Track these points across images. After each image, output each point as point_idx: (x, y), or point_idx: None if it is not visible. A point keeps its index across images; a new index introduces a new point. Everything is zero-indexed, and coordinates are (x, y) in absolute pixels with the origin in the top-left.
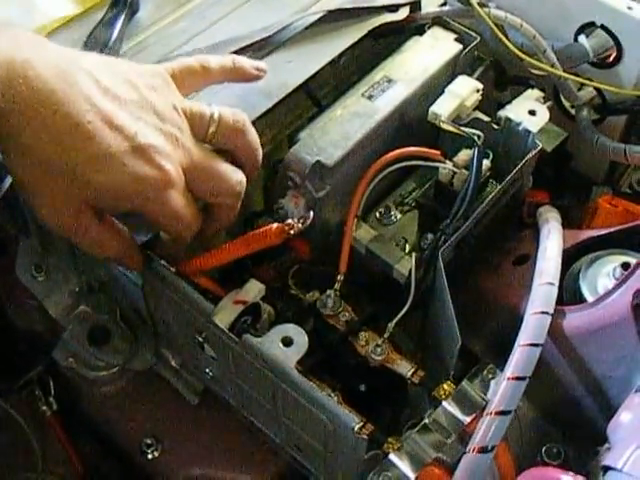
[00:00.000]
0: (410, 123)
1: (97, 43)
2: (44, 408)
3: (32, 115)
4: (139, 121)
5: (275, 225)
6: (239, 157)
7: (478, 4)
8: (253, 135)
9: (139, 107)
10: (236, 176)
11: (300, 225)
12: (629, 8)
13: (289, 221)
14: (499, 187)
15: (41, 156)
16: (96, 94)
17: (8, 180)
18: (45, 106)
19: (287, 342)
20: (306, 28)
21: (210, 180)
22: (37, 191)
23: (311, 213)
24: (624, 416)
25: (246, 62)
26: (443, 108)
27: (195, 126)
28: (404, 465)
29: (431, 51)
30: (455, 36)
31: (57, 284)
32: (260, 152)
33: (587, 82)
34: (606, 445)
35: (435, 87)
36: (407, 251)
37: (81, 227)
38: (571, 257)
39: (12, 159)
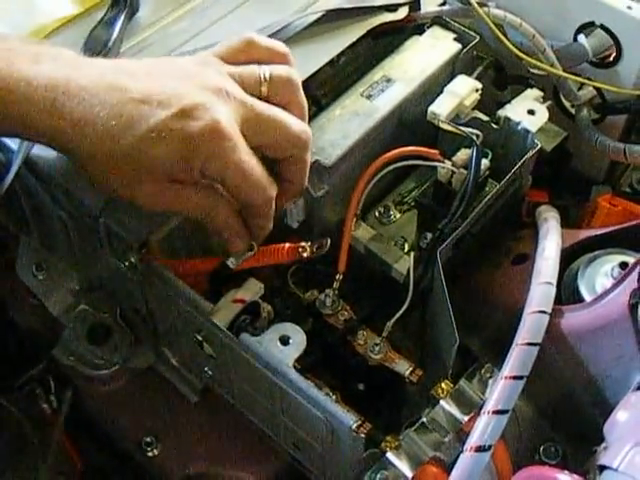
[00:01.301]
0: (409, 123)
1: (97, 43)
2: (44, 406)
3: (84, 123)
4: (179, 87)
5: (287, 245)
6: (293, 114)
7: (477, 3)
8: (302, 93)
9: (176, 76)
10: (299, 124)
11: (315, 249)
12: (629, 8)
13: (303, 243)
14: (498, 186)
15: (107, 155)
16: (128, 82)
17: (9, 179)
18: (89, 111)
19: (285, 341)
20: (305, 28)
21: (272, 129)
22: (129, 190)
23: (328, 240)
24: (620, 415)
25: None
26: (442, 108)
27: (247, 85)
28: (402, 464)
29: (430, 51)
30: (454, 36)
31: (57, 283)
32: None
33: (587, 82)
34: (603, 444)
35: (434, 87)
36: (406, 250)
37: (178, 199)
38: (570, 256)
39: (89, 170)
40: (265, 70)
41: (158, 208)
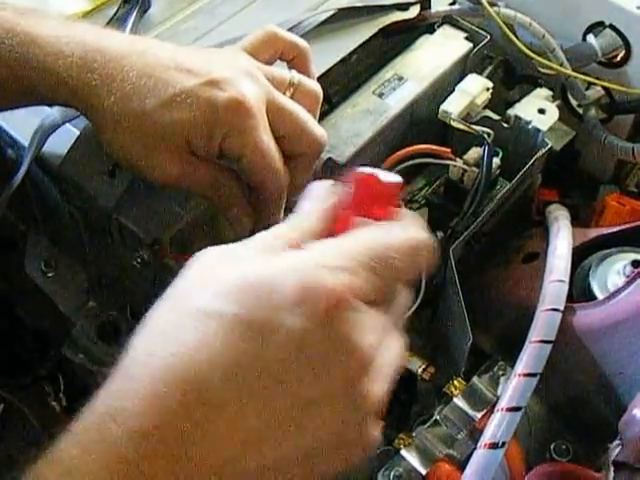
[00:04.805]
0: (420, 121)
1: None
2: (54, 404)
3: (112, 80)
4: (210, 63)
5: None
6: None
7: (488, 3)
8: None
9: (207, 55)
10: (319, 128)
11: None
12: (638, 8)
13: None
14: (509, 185)
15: (131, 114)
16: (165, 52)
17: (19, 176)
18: (119, 70)
19: None
20: (317, 26)
21: (293, 121)
22: (143, 157)
23: None
24: (636, 412)
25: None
26: (453, 106)
27: (275, 84)
28: (415, 460)
29: (441, 49)
30: (465, 35)
31: (67, 280)
32: None
33: (595, 81)
34: (616, 441)
35: (445, 85)
36: None
37: (192, 172)
38: (580, 255)
39: (109, 133)
40: (295, 76)
41: (168, 180)
